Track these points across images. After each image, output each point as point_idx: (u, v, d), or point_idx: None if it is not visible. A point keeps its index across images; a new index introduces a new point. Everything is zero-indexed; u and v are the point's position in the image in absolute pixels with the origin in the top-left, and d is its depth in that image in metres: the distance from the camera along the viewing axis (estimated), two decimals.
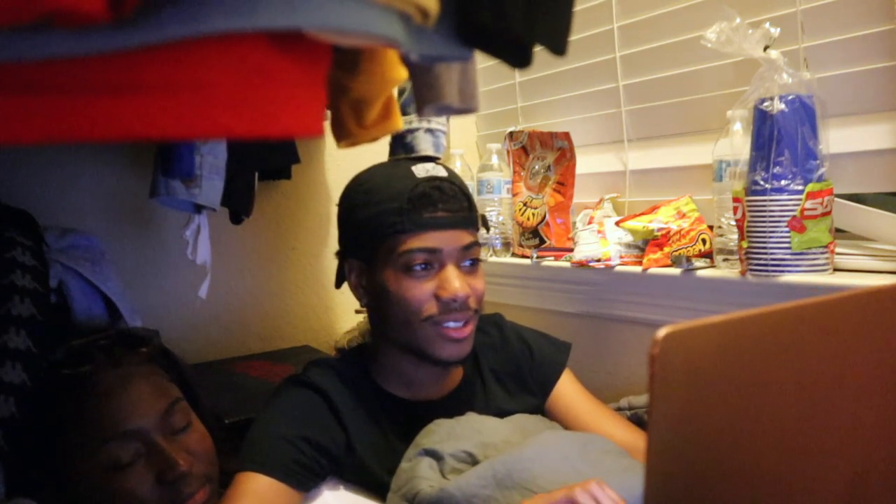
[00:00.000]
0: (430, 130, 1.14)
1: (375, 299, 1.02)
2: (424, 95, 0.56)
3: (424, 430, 0.96)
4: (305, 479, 0.92)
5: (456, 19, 0.48)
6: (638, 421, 1.13)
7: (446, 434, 0.93)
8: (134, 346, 0.98)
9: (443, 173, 1.01)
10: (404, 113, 1.08)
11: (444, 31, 0.48)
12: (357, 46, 0.54)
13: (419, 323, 0.97)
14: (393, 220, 0.96)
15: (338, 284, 1.08)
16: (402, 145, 1.18)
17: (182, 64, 0.35)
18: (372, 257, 1.00)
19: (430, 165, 1.01)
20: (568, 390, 1.13)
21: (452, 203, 0.98)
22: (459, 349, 0.99)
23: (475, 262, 1.01)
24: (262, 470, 0.89)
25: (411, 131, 1.15)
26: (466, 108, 0.58)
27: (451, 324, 0.97)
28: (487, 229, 1.15)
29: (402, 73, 0.61)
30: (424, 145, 1.13)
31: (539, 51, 0.54)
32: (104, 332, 1.01)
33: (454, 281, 0.96)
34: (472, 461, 0.90)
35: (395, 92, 0.74)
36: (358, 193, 1.02)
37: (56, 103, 0.33)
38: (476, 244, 1.01)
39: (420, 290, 0.96)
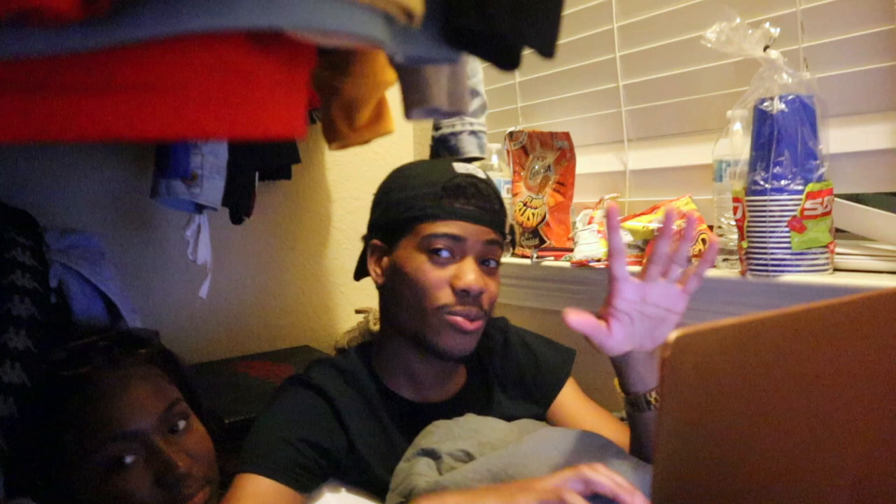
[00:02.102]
0: (473, 132, 1.14)
1: (391, 281, 1.02)
2: (411, 98, 0.56)
3: (423, 431, 0.96)
4: (306, 480, 0.92)
5: (442, 21, 0.48)
6: None
7: (445, 435, 0.93)
8: (133, 348, 0.97)
9: (482, 175, 1.03)
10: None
11: (431, 32, 0.47)
12: (347, 48, 0.54)
13: (431, 310, 0.97)
14: (424, 204, 0.98)
15: (357, 276, 1.09)
16: (446, 148, 1.17)
17: (160, 63, 0.35)
18: (397, 238, 1.01)
19: (471, 166, 1.04)
20: (570, 399, 1.13)
21: (485, 200, 1.00)
22: (464, 342, 0.99)
23: (495, 263, 1.02)
24: (262, 472, 0.89)
25: (455, 134, 1.15)
26: (455, 111, 0.57)
27: (461, 314, 0.97)
28: (513, 245, 1.15)
29: (393, 75, 0.61)
30: (469, 147, 1.13)
31: (534, 52, 0.54)
32: (103, 332, 1.01)
33: (470, 273, 0.97)
34: (470, 460, 0.89)
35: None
36: (398, 178, 1.05)
37: (31, 103, 0.33)
38: (499, 244, 1.02)
39: (436, 276, 0.97)
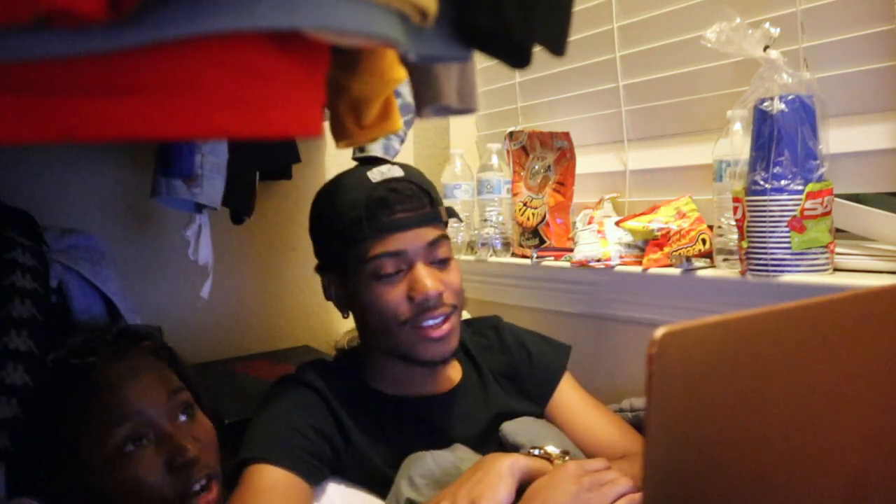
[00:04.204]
0: None
1: (354, 309, 1.03)
2: (423, 96, 0.56)
3: (403, 469, 0.94)
4: (315, 469, 0.92)
5: (454, 19, 0.48)
6: (639, 422, 1.13)
7: (427, 479, 0.91)
8: (137, 341, 0.97)
9: (398, 173, 1.00)
10: None
11: (443, 31, 0.48)
12: (356, 46, 0.54)
13: (397, 328, 0.97)
14: (354, 230, 0.96)
15: (326, 296, 1.09)
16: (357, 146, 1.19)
17: (180, 64, 0.35)
18: (343, 269, 1.00)
19: (385, 168, 1.00)
20: (567, 396, 1.13)
21: (410, 202, 0.97)
22: (442, 348, 0.99)
23: (446, 257, 1.01)
24: (273, 461, 0.89)
25: None
26: (465, 109, 0.58)
27: (429, 322, 0.97)
28: (460, 219, 1.15)
29: (401, 73, 0.61)
30: (374, 146, 1.13)
31: (538, 51, 0.54)
32: (107, 328, 1.01)
33: (424, 280, 0.96)
34: None
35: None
36: (322, 204, 1.04)
37: (53, 103, 0.33)
38: (443, 238, 1.00)
39: (393, 295, 0.96)
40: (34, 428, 0.89)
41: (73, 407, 0.88)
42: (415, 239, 0.97)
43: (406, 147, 1.76)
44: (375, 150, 1.13)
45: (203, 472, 0.88)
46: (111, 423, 0.86)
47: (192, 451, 0.87)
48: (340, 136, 0.65)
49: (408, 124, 1.19)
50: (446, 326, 0.98)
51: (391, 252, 0.96)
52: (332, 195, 1.02)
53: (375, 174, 0.99)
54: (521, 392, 1.11)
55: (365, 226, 0.95)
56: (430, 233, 0.98)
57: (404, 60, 0.57)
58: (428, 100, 0.55)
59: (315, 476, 0.92)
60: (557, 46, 0.52)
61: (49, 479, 0.87)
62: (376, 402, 1.02)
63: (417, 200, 0.98)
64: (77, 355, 0.92)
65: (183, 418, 0.92)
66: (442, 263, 1.00)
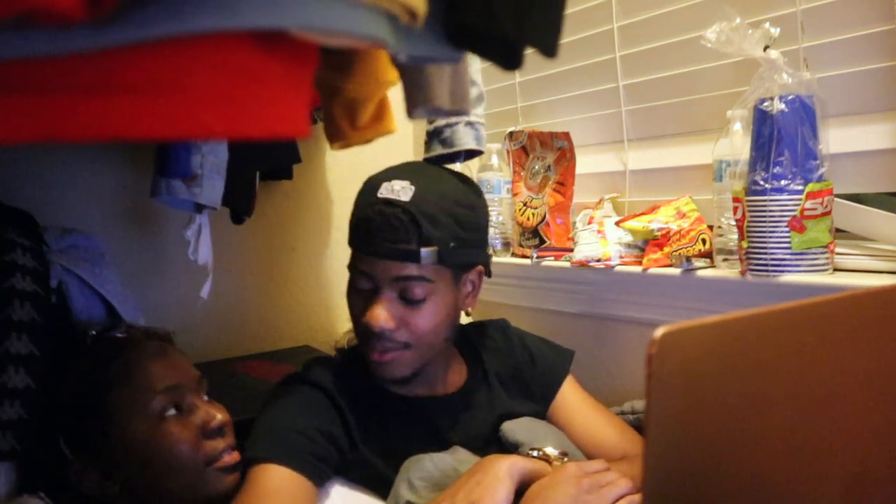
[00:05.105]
0: (469, 123, 1.07)
1: None
2: (414, 97, 0.56)
3: (402, 471, 0.94)
4: (321, 471, 0.92)
5: (444, 20, 0.48)
6: (640, 425, 1.13)
7: (426, 482, 0.91)
8: (156, 333, 1.03)
9: (403, 198, 0.93)
10: None
11: (433, 32, 0.48)
12: (349, 47, 0.54)
13: (358, 337, 1.01)
14: (351, 233, 1.00)
15: None
16: (439, 140, 1.11)
17: (164, 64, 0.35)
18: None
19: (398, 185, 0.95)
20: (569, 398, 1.13)
21: (392, 234, 0.92)
22: (382, 372, 0.99)
23: (417, 299, 0.96)
24: (279, 461, 0.89)
25: (450, 125, 1.08)
26: (457, 111, 0.57)
27: (371, 347, 0.98)
28: (489, 274, 1.13)
29: (395, 75, 0.61)
30: (466, 139, 1.06)
31: (534, 51, 0.54)
32: (119, 326, 1.06)
33: (376, 310, 0.95)
34: None
35: None
36: (356, 195, 1.04)
37: (38, 103, 0.33)
38: (416, 279, 0.94)
39: (357, 309, 0.99)
40: (78, 392, 0.93)
41: (116, 375, 0.93)
42: (382, 269, 0.95)
43: (406, 147, 1.76)
44: (468, 141, 1.08)
45: (228, 440, 0.95)
46: (156, 390, 0.92)
47: (223, 416, 0.95)
48: (335, 137, 0.65)
49: (479, 101, 1.12)
50: (388, 357, 0.97)
51: (362, 271, 0.97)
52: (362, 187, 1.02)
53: (384, 190, 0.95)
54: (525, 394, 1.12)
55: (354, 236, 0.99)
56: (401, 268, 0.94)
57: (395, 61, 0.57)
58: (420, 101, 0.55)
59: (321, 478, 0.92)
60: (549, 48, 0.51)
61: (84, 451, 0.90)
62: (382, 400, 1.03)
63: (401, 233, 0.92)
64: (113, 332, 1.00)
65: (205, 398, 0.98)
66: (413, 302, 0.96)
